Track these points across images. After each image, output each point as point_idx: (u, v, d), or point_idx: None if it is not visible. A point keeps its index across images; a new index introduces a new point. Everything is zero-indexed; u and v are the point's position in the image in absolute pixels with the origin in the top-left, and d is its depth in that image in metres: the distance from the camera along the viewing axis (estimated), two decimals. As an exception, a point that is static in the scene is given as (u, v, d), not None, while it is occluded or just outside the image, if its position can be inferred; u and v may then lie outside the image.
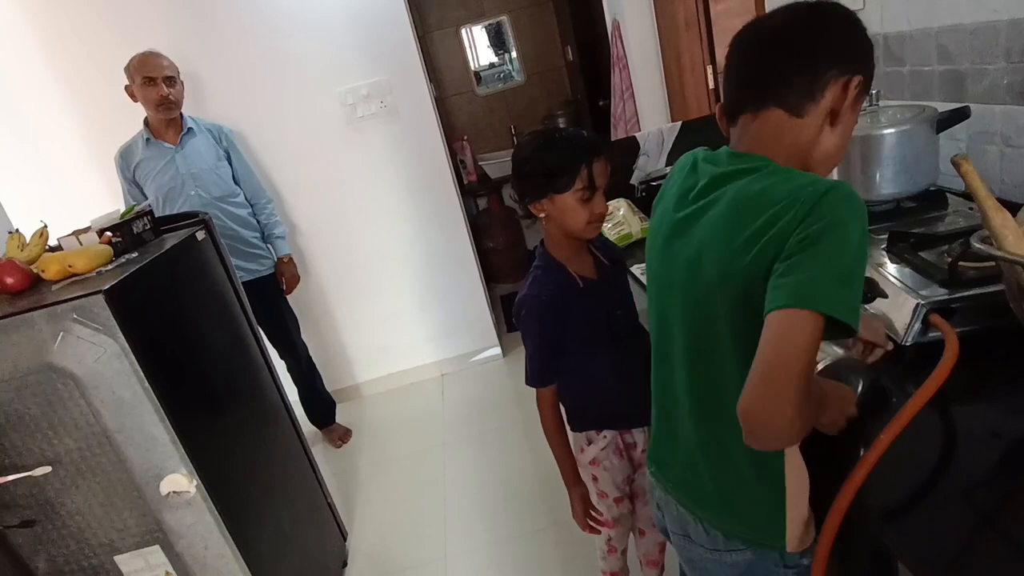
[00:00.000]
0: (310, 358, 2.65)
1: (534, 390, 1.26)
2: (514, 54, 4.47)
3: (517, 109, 4.50)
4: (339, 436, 2.75)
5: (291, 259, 2.52)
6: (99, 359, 1.18)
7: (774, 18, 0.78)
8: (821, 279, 0.63)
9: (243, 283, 1.87)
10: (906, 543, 0.65)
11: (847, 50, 0.75)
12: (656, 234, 0.89)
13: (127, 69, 2.15)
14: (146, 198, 2.25)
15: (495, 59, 4.54)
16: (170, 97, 2.17)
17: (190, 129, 2.28)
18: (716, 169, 0.80)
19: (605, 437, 1.28)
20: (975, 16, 1.18)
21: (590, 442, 1.30)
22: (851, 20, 0.76)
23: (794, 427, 0.62)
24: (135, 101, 2.20)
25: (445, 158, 2.83)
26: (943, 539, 0.66)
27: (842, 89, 0.74)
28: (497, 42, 4.49)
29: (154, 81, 2.14)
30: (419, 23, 3.96)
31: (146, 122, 2.25)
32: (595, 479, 1.32)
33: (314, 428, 2.75)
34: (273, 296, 2.48)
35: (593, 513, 1.31)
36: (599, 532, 1.33)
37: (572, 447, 1.31)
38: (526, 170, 1.15)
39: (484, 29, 4.39)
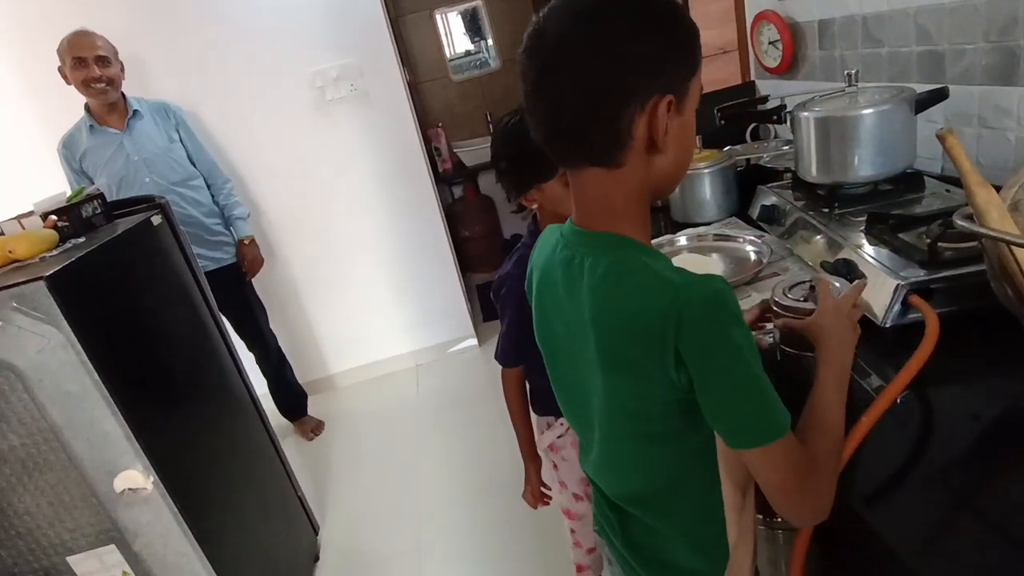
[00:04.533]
0: (279, 349, 2.58)
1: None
2: (490, 41, 4.40)
3: (493, 96, 4.43)
4: (311, 428, 2.69)
5: (253, 240, 2.41)
6: (42, 350, 1.11)
7: (549, 36, 0.60)
8: (745, 414, 0.61)
9: (207, 272, 1.79)
10: (887, 524, 0.63)
11: (642, 71, 0.58)
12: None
13: (59, 50, 2.01)
14: None
15: (471, 47, 4.46)
16: (102, 78, 2.02)
17: (136, 111, 2.14)
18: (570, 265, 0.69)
19: (563, 424, 1.28)
20: (954, -6, 1.17)
21: (549, 426, 1.31)
22: (640, 22, 0.58)
23: (830, 499, 0.63)
24: (68, 84, 2.05)
25: (419, 144, 2.76)
26: (924, 520, 0.65)
27: (649, 119, 0.60)
28: (473, 28, 4.41)
29: (84, 61, 2.00)
30: (391, 5, 3.86)
31: (87, 107, 2.11)
32: (555, 466, 1.35)
33: (285, 421, 2.68)
34: (239, 285, 2.39)
35: (544, 490, 1.38)
36: (547, 505, 1.40)
37: (535, 428, 1.34)
38: (503, 167, 1.07)
39: (459, 15, 4.31)
